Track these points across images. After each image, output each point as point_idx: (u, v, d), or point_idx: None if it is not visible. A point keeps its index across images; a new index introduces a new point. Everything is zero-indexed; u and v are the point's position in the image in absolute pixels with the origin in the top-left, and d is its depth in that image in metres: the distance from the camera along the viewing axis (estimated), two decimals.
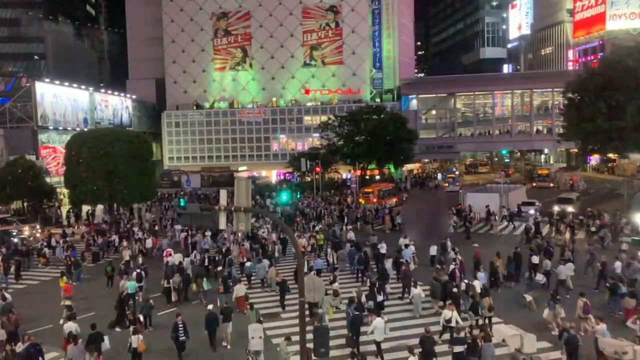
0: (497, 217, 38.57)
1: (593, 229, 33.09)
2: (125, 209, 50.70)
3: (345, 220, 39.83)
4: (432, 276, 22.44)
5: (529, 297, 21.32)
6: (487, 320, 18.91)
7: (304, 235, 32.74)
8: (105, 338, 16.82)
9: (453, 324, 17.80)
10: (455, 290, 20.48)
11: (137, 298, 22.20)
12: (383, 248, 28.50)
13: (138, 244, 33.52)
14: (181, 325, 17.35)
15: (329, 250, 29.16)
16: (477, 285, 20.74)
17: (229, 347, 18.74)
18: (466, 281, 21.59)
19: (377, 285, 21.42)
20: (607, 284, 21.18)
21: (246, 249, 29.22)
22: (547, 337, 18.31)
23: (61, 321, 18.47)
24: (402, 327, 19.90)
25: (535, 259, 24.50)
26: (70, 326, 17.59)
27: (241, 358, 17.37)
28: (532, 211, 39.85)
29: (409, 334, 18.86)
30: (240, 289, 22.03)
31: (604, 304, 20.66)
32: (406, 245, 27.94)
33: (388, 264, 25.35)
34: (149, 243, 33.37)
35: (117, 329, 20.30)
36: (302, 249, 27.57)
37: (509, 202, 41.85)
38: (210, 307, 19.17)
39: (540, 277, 23.02)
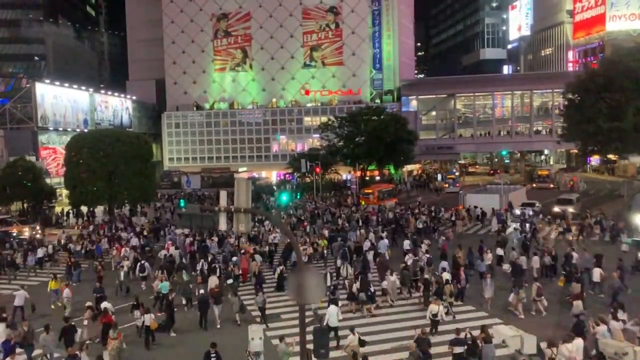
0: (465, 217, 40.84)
1: (560, 229, 34.57)
2: (124, 210, 50.55)
3: (360, 223, 38.49)
4: (402, 266, 24.64)
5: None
6: (450, 305, 20.91)
7: (307, 241, 31.67)
8: (79, 330, 18.02)
9: (439, 318, 18.89)
10: (427, 276, 23.09)
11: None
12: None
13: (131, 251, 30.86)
14: (214, 355, 15.92)
15: (339, 261, 27.20)
16: (446, 275, 22.66)
17: (218, 326, 20.83)
18: (437, 272, 23.74)
19: (361, 277, 22.83)
20: (563, 272, 23.46)
21: (247, 258, 27.66)
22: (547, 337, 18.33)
23: (85, 322, 19.26)
24: (392, 329, 20.02)
25: (500, 251, 27.45)
26: (105, 304, 19.74)
27: (229, 335, 19.09)
28: (531, 212, 40.15)
29: (399, 336, 19.01)
30: (212, 280, 23.36)
31: (560, 290, 22.80)
32: (381, 238, 31.14)
33: (370, 256, 27.64)
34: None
35: (172, 334, 20.13)
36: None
37: (507, 202, 42.33)
38: (202, 291, 21.52)
39: (506, 267, 25.52)
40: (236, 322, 21.10)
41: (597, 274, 22.59)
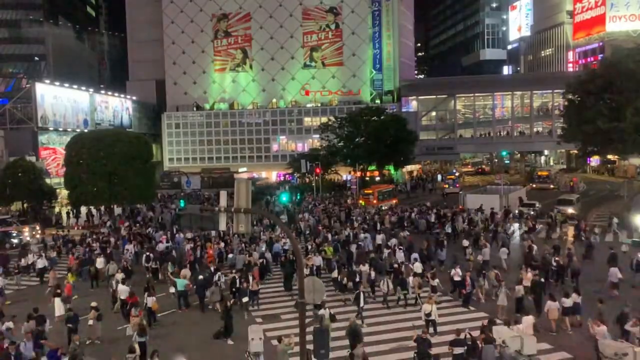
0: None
1: (525, 228, 36.21)
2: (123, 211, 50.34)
3: (378, 227, 36.57)
4: (371, 256, 26.99)
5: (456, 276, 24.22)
6: (417, 296, 22.24)
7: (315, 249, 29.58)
8: (48, 320, 19.32)
9: (433, 317, 18.90)
10: (396, 266, 24.59)
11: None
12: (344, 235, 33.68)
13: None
14: None
15: (372, 273, 24.33)
16: (418, 267, 24.58)
17: (216, 307, 22.47)
18: (406, 263, 25.83)
19: (345, 267, 24.95)
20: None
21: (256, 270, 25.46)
22: (547, 339, 18.36)
23: (90, 322, 19.83)
24: (390, 330, 20.04)
25: (465, 243, 30.24)
26: (126, 289, 22.26)
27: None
28: (532, 212, 40.55)
29: (397, 337, 19.00)
30: (185, 272, 24.72)
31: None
32: (364, 230, 34.22)
33: (353, 248, 29.43)
34: (99, 263, 27.99)
35: (230, 342, 19.29)
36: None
37: (516, 199, 43.78)
38: (200, 277, 23.56)
39: (479, 258, 26.98)
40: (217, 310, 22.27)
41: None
